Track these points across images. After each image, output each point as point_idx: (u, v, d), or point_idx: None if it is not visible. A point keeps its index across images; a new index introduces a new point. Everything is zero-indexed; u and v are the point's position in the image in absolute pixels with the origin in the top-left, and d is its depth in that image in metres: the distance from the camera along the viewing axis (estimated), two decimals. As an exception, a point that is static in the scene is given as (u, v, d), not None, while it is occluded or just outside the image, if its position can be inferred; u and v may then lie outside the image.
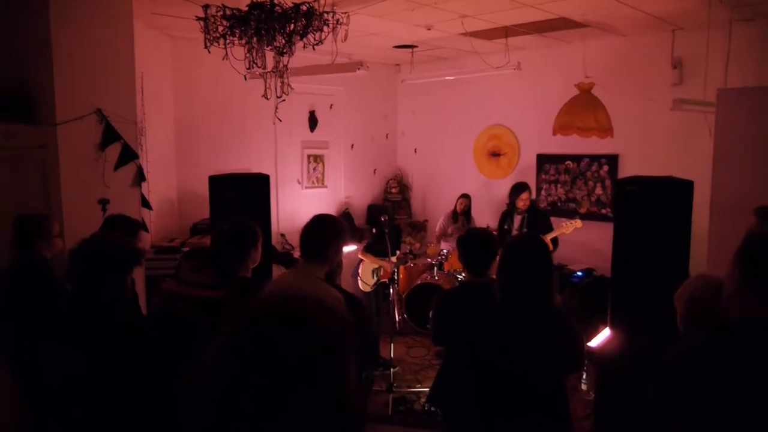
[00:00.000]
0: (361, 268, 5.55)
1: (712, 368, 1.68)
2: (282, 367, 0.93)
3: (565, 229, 5.52)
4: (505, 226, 5.93)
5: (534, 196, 6.87)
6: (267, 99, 3.43)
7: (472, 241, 2.98)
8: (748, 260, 1.72)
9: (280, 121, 4.33)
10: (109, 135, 4.00)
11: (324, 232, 2.66)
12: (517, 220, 5.85)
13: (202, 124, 6.44)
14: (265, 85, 3.33)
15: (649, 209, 3.89)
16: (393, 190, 8.49)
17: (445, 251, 6.40)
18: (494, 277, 2.97)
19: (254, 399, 0.92)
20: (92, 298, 2.16)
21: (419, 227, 5.89)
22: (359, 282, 5.52)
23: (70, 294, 2.34)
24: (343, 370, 1.01)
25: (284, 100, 3.41)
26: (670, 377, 1.80)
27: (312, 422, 0.94)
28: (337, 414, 0.97)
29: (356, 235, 6.96)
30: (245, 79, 3.83)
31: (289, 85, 3.31)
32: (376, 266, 5.47)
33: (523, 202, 5.77)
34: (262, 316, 1.00)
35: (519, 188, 5.82)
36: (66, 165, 3.75)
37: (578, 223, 5.53)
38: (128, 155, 4.15)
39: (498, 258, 2.52)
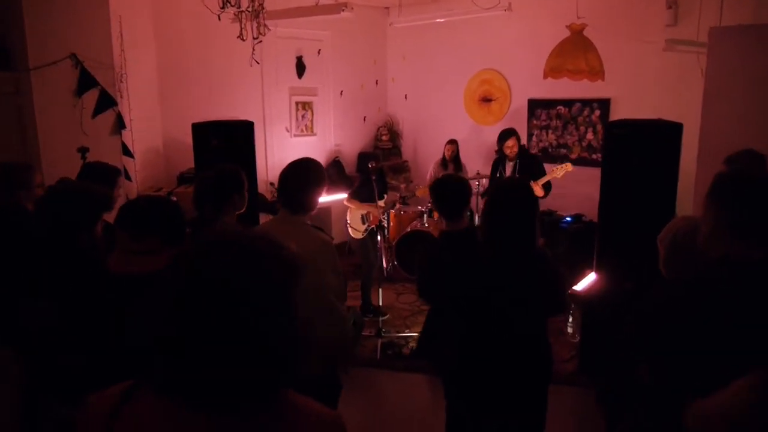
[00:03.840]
0: (349, 215, 5.53)
1: (691, 307, 1.68)
2: (222, 305, 0.91)
3: (556, 173, 5.49)
4: (497, 174, 5.91)
5: (524, 141, 6.81)
6: (243, 40, 3.31)
7: (441, 187, 2.96)
8: (720, 201, 1.71)
9: (258, 63, 4.19)
10: (85, 81, 3.89)
11: (302, 180, 2.62)
12: (509, 167, 5.81)
13: (187, 70, 6.26)
14: (241, 26, 3.21)
15: (637, 152, 3.85)
16: (383, 138, 8.38)
17: (434, 199, 6.37)
18: (474, 224, 2.96)
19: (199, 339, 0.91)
20: (61, 247, 2.13)
21: (401, 168, 5.83)
22: (350, 230, 5.51)
23: (42, 243, 2.30)
24: (287, 304, 0.98)
25: (261, 41, 3.30)
26: (650, 315, 1.81)
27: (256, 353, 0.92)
28: (282, 347, 0.96)
29: (347, 183, 6.91)
30: (218, 18, 3.69)
31: (265, 25, 3.18)
32: (364, 212, 5.45)
33: (509, 149, 5.71)
34: (197, 253, 0.98)
35: (504, 135, 5.77)
36: (42, 111, 3.66)
37: (569, 166, 5.49)
38: (106, 102, 4.05)
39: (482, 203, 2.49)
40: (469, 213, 3.01)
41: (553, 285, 2.39)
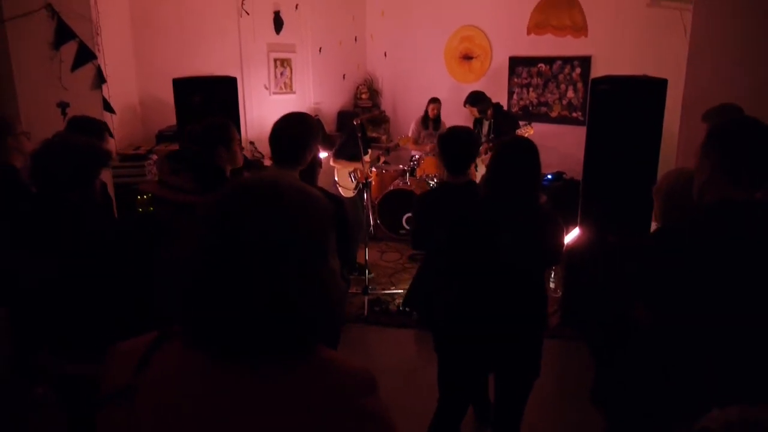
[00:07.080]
0: (337, 175, 5.50)
1: (689, 248, 1.73)
2: (257, 249, 0.88)
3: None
4: (476, 131, 6.06)
5: (505, 100, 6.84)
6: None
7: (453, 139, 2.94)
8: (718, 146, 1.75)
9: (248, 14, 4.07)
10: (63, 32, 3.73)
11: (295, 133, 2.57)
12: (485, 125, 6.00)
13: (162, 24, 6.05)
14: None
15: (621, 108, 3.90)
16: (363, 96, 8.29)
17: (416, 156, 6.38)
18: (474, 179, 2.98)
19: (229, 282, 0.88)
20: (59, 202, 2.08)
21: (380, 120, 5.83)
22: (339, 189, 5.48)
23: (36, 198, 2.24)
24: (324, 255, 0.96)
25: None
26: (650, 259, 1.86)
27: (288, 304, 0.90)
28: (318, 299, 0.93)
29: (328, 143, 6.84)
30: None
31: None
32: (351, 169, 5.43)
33: (471, 113, 6.00)
34: (234, 196, 0.94)
35: (465, 101, 6.02)
36: (19, 65, 3.51)
37: (530, 129, 5.60)
38: (85, 55, 3.90)
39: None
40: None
41: (553, 233, 2.43)
